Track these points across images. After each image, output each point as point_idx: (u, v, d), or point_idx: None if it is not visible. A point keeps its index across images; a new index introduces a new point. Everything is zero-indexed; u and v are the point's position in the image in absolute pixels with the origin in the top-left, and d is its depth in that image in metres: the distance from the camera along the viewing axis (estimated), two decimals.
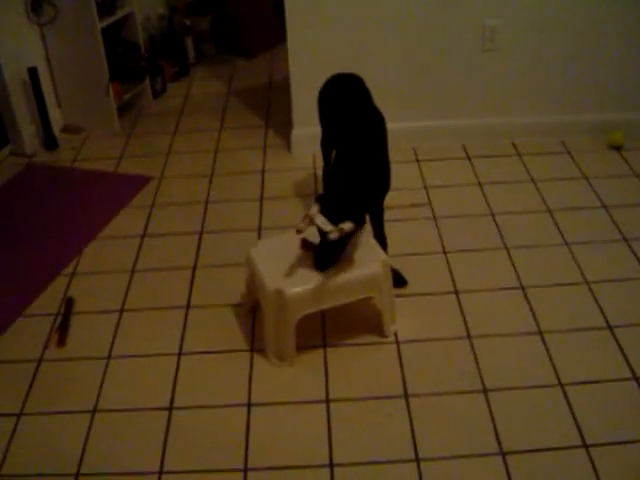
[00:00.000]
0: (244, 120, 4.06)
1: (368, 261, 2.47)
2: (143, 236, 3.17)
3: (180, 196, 3.42)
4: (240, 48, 4.75)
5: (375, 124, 2.63)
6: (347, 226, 2.30)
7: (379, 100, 2.87)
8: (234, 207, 3.33)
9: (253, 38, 4.71)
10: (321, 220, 2.31)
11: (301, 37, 3.43)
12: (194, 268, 2.97)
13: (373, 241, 2.58)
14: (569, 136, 3.68)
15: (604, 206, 3.20)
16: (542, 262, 2.89)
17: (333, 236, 2.26)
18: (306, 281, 2.39)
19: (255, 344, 2.59)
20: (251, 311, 2.72)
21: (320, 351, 2.55)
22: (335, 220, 2.30)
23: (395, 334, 2.60)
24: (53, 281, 2.93)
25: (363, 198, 2.44)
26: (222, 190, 3.45)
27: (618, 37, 3.45)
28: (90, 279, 2.95)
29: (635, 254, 2.90)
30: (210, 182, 3.52)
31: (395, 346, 2.56)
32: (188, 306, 2.77)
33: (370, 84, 3.07)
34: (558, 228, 3.08)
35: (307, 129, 3.62)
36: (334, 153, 2.67)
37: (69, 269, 3.00)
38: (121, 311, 2.77)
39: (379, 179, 2.57)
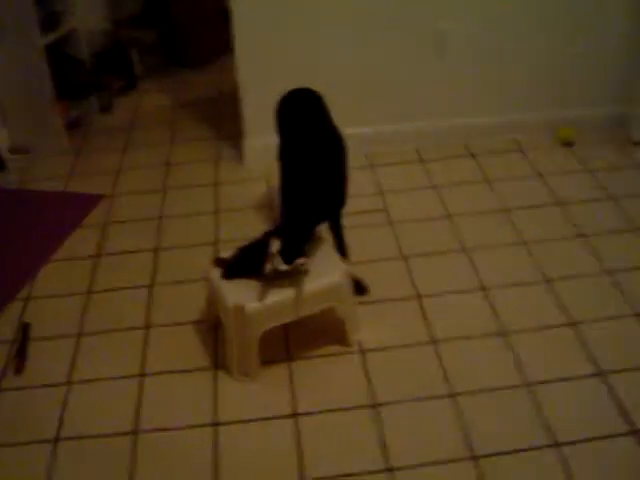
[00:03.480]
0: (195, 133, 4.01)
1: (328, 271, 2.45)
2: (98, 256, 3.10)
3: (133, 213, 3.36)
4: (187, 60, 4.69)
5: (332, 139, 2.61)
6: (301, 261, 2.32)
7: (330, 105, 2.86)
8: (189, 222, 3.28)
9: (199, 49, 4.66)
10: (281, 265, 2.31)
11: (249, 43, 3.38)
12: (152, 286, 2.91)
13: (332, 251, 2.56)
14: (521, 134, 3.72)
15: (559, 203, 3.24)
16: (501, 262, 2.91)
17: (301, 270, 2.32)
18: (266, 295, 2.35)
19: (218, 361, 2.54)
20: (213, 328, 2.67)
21: (284, 365, 2.52)
22: (292, 248, 2.32)
23: (359, 343, 2.58)
24: (7, 306, 2.84)
25: (312, 215, 2.45)
26: (176, 205, 3.40)
27: (565, 35, 3.50)
28: (46, 303, 2.87)
29: (594, 250, 2.94)
30: (163, 197, 3.46)
31: (360, 355, 2.54)
32: (148, 326, 2.72)
33: (321, 89, 3.06)
34: (515, 227, 3.10)
35: (258, 139, 3.59)
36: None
37: (23, 293, 2.92)
38: (79, 335, 2.70)
39: (334, 191, 2.55)
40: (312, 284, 2.40)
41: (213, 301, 2.57)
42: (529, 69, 3.57)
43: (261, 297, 2.32)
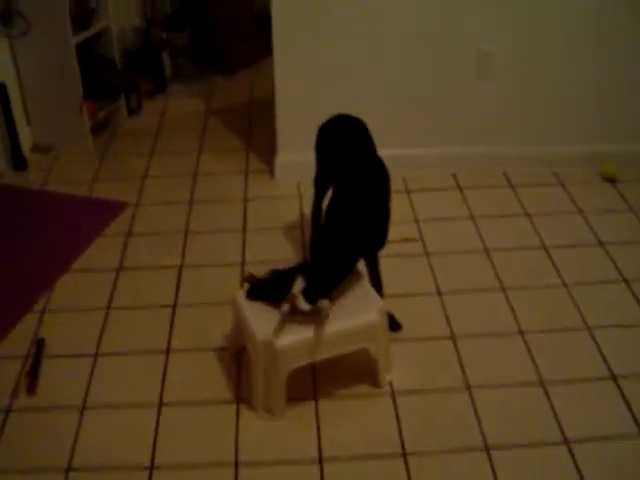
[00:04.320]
0: (224, 142, 3.88)
1: (364, 309, 2.32)
2: (119, 269, 2.98)
3: (158, 225, 3.24)
4: (219, 64, 4.56)
5: (379, 175, 2.48)
6: (324, 304, 2.18)
7: (369, 126, 2.74)
8: (215, 238, 3.15)
9: (232, 54, 4.53)
10: (301, 302, 2.17)
11: (289, 56, 3.26)
12: (174, 306, 2.79)
13: (368, 286, 2.43)
14: (562, 167, 3.58)
15: (601, 243, 3.10)
16: (540, 305, 2.77)
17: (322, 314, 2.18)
18: (298, 331, 2.23)
19: (241, 393, 2.42)
20: (236, 356, 2.55)
21: (311, 404, 2.39)
22: (318, 288, 2.19)
23: (390, 384, 2.45)
24: (21, 319, 2.72)
25: (351, 257, 2.31)
26: (202, 219, 3.27)
27: (613, 65, 3.36)
28: (62, 317, 2.75)
29: (635, 295, 2.80)
30: (189, 210, 3.34)
31: (391, 398, 2.41)
32: (168, 350, 2.59)
33: (360, 108, 2.94)
34: (555, 267, 2.96)
35: (292, 155, 3.47)
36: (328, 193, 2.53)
37: (39, 306, 2.79)
38: (96, 355, 2.58)
39: (376, 233, 2.42)
40: (346, 322, 2.28)
41: (239, 328, 2.44)
42: (575, 99, 3.43)
43: (276, 332, 2.19)
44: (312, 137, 3.38)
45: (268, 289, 2.31)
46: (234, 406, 2.38)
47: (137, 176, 3.59)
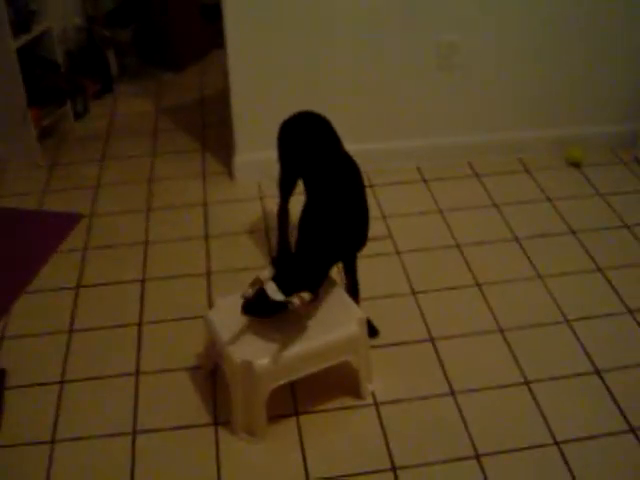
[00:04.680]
0: (178, 143, 3.73)
1: (343, 321, 2.23)
2: (78, 287, 2.83)
3: (116, 236, 3.09)
4: (166, 60, 4.39)
5: (351, 171, 2.38)
6: (307, 296, 2.05)
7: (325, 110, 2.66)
8: (178, 248, 3.02)
9: (180, 48, 4.36)
10: (271, 288, 2.06)
11: (242, 50, 3.11)
12: (139, 324, 2.66)
13: (344, 295, 2.34)
14: (526, 153, 3.53)
15: (572, 231, 3.06)
16: (517, 300, 2.72)
17: (295, 304, 2.02)
18: (276, 349, 2.13)
19: (219, 415, 2.31)
20: (210, 375, 2.44)
21: (292, 420, 2.30)
22: (291, 287, 2.06)
23: (373, 394, 2.37)
24: None
25: (329, 257, 2.20)
26: (162, 227, 3.13)
27: (574, 52, 3.31)
28: (22, 344, 2.59)
29: (611, 284, 2.77)
30: (147, 218, 3.19)
31: (374, 408, 2.33)
32: (137, 372, 2.47)
33: (319, 102, 2.85)
34: (529, 259, 2.91)
35: (251, 154, 3.34)
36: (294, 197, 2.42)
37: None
38: (62, 382, 2.44)
39: (356, 232, 2.32)
40: (326, 336, 2.19)
41: (212, 347, 2.33)
42: (537, 85, 3.38)
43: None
44: (271, 135, 3.26)
45: (260, 304, 2.15)
46: (213, 429, 2.27)
47: (90, 185, 3.42)
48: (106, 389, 2.41)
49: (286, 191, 2.78)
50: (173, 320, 2.66)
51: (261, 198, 3.29)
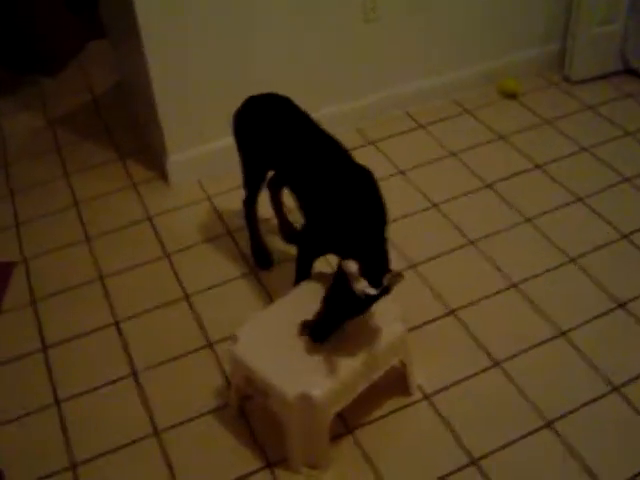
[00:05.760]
0: (88, 156, 3.27)
1: (384, 322, 2.02)
2: (45, 349, 2.43)
3: (64, 278, 2.68)
4: (38, 64, 3.84)
5: (342, 148, 2.14)
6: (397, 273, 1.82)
7: (259, 90, 2.39)
8: (140, 275, 2.66)
9: (52, 48, 3.83)
10: (363, 285, 1.80)
11: (159, 37, 2.68)
12: (135, 374, 2.32)
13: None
14: (459, 93, 3.40)
15: (537, 166, 2.98)
16: (516, 249, 2.62)
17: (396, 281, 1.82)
18: (329, 372, 1.89)
19: (269, 454, 2.06)
20: (241, 410, 2.17)
21: (349, 439, 2.09)
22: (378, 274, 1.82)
23: (419, 387, 2.20)
24: None
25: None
26: (112, 256, 2.75)
27: None
28: (7, 432, 2.20)
29: (594, 210, 2.73)
30: (91, 250, 2.79)
31: (427, 402, 2.16)
32: (156, 431, 2.15)
33: (250, 78, 2.75)
34: (509, 204, 2.81)
35: (185, 153, 3.00)
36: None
37: None
38: (75, 466, 2.09)
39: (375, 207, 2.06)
40: (375, 343, 1.97)
41: (243, 382, 2.05)
42: (462, 21, 3.23)
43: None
44: (205, 127, 2.97)
45: (331, 317, 1.91)
46: (268, 473, 2.02)
47: (7, 226, 2.95)
48: (128, 460, 2.09)
49: (256, 186, 2.50)
50: (169, 361, 2.35)
51: (208, 198, 2.97)
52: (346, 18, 2.99)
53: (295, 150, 2.17)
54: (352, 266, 1.78)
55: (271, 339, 1.99)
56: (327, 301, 1.89)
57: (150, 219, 2.90)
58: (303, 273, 2.19)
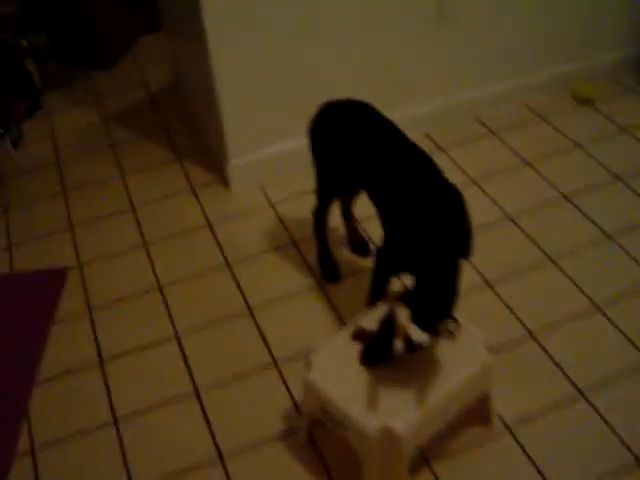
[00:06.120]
0: (146, 155, 3.17)
1: (468, 349, 1.87)
2: (103, 362, 2.33)
3: (121, 286, 2.57)
4: (93, 58, 3.74)
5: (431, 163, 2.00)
6: (454, 326, 1.71)
7: (327, 92, 2.27)
8: (200, 286, 2.55)
9: (106, 41, 3.72)
10: (417, 333, 1.69)
11: (226, 39, 2.56)
12: (197, 392, 2.21)
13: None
14: (533, 98, 3.23)
15: (617, 177, 2.81)
16: (591, 266, 2.46)
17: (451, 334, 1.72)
18: (412, 404, 1.76)
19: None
20: (310, 437, 2.04)
21: (427, 473, 1.95)
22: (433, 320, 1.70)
23: (500, 418, 2.05)
24: (11, 468, 2.05)
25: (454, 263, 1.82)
26: (171, 264, 2.64)
27: None
28: (61, 452, 2.09)
29: None
30: (149, 256, 2.69)
31: (509, 434, 2.01)
32: (220, 456, 2.03)
33: (320, 79, 2.65)
34: (590, 219, 2.64)
35: (248, 156, 2.88)
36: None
37: (24, 444, 2.11)
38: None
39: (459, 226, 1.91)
40: (460, 372, 1.83)
41: (313, 407, 1.93)
42: (532, 23, 3.05)
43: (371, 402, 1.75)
44: (269, 130, 2.86)
45: (380, 344, 1.79)
46: None
47: (61, 227, 2.85)
48: None
49: (330, 198, 2.37)
50: (232, 379, 2.23)
51: (271, 204, 2.84)
52: (419, 16, 2.83)
53: (381, 163, 2.02)
54: (403, 315, 1.67)
55: (347, 366, 1.86)
56: (380, 327, 1.77)
57: (210, 225, 2.78)
58: (378, 291, 2.06)
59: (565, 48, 3.17)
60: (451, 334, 1.73)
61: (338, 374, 1.85)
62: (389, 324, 1.73)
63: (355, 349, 1.88)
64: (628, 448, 1.95)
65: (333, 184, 2.31)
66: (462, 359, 1.86)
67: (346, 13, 2.69)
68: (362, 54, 2.81)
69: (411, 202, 1.89)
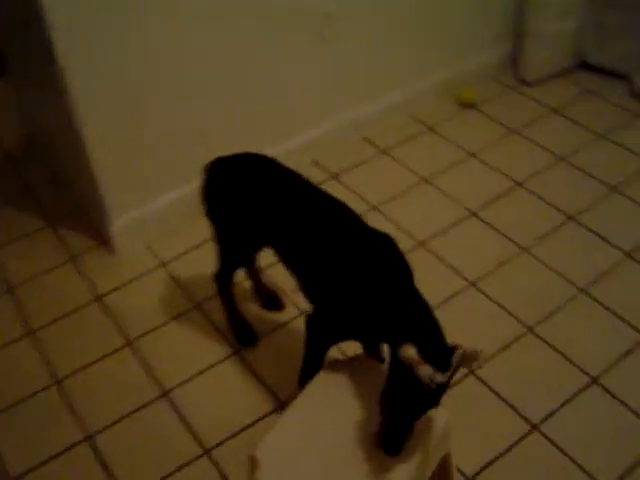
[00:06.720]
0: (9, 224, 2.81)
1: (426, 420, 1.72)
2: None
3: (11, 388, 2.24)
4: None
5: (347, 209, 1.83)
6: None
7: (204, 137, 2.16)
8: (103, 373, 2.25)
9: None
10: (428, 372, 1.47)
11: (88, 73, 2.24)
12: None
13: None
14: (417, 108, 3.13)
15: (518, 183, 2.77)
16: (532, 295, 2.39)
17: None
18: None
19: None
20: None
21: None
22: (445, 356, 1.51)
23: (460, 471, 1.93)
24: None
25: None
26: (67, 353, 2.30)
27: None
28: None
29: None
30: (38, 345, 2.35)
31: None
32: None
33: (186, 118, 2.42)
34: (504, 235, 2.57)
35: (130, 214, 2.59)
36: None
37: None
38: None
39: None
40: (421, 445, 1.67)
41: None
42: (408, 35, 2.94)
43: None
44: (151, 184, 2.58)
45: (401, 423, 1.57)
46: None
47: None
48: None
49: (235, 263, 2.15)
50: None
51: (164, 264, 2.58)
52: (298, 42, 2.64)
53: (293, 220, 1.82)
54: (411, 351, 1.47)
55: (299, 457, 1.66)
56: (389, 403, 1.57)
57: (99, 300, 2.48)
58: (313, 365, 1.85)
59: (442, 55, 3.11)
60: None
61: (290, 469, 1.64)
62: (399, 392, 1.51)
63: (305, 433, 1.68)
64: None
65: (238, 250, 2.09)
66: (425, 420, 1.70)
67: (215, 61, 2.47)
68: (237, 86, 2.59)
69: (343, 260, 1.70)
